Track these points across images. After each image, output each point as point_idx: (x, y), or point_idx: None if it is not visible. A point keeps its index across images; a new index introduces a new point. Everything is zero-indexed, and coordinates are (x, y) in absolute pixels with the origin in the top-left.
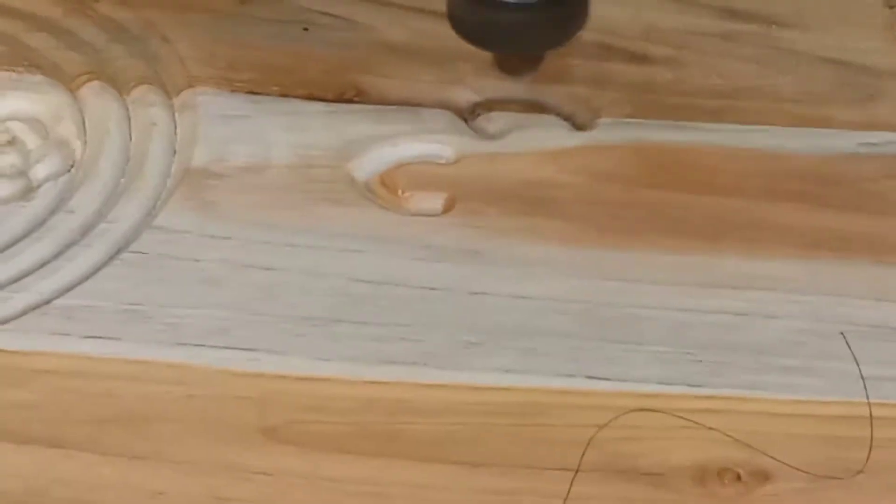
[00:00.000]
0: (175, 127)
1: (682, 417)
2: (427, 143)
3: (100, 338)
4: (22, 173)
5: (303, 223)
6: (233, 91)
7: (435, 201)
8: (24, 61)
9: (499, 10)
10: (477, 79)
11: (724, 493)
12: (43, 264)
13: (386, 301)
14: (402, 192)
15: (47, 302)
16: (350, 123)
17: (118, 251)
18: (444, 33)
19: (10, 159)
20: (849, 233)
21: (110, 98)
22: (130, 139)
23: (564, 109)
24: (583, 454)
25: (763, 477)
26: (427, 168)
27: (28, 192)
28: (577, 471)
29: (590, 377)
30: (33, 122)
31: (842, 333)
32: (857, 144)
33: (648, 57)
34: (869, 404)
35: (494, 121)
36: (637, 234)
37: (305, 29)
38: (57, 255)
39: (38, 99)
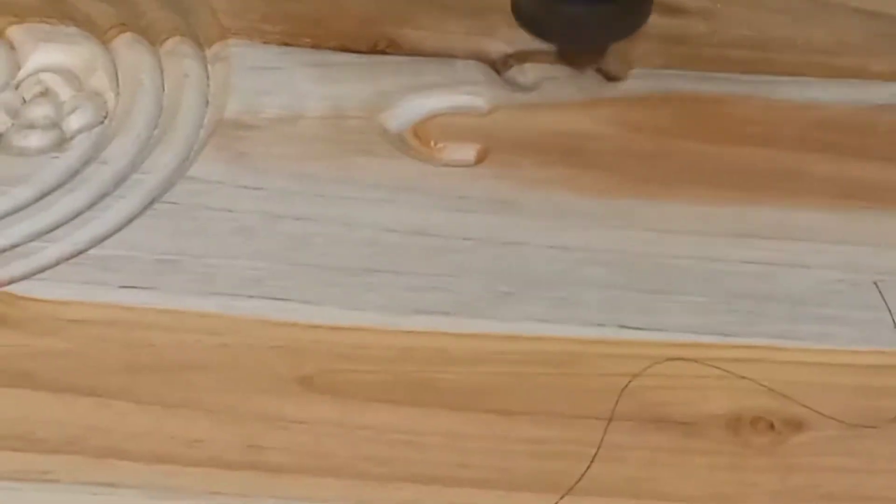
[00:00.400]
0: (207, 78)
1: (715, 367)
2: (460, 95)
3: (134, 287)
4: (55, 124)
5: (335, 174)
6: (265, 42)
7: (468, 152)
8: (57, 13)
9: (562, 3)
10: (510, 30)
11: (758, 442)
12: (77, 215)
13: (419, 251)
14: (435, 143)
15: (82, 252)
16: (382, 75)
17: (152, 201)
18: None
19: (43, 110)
20: (882, 182)
21: (143, 49)
22: (163, 90)
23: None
24: (616, 403)
25: (796, 426)
26: (460, 119)
27: (62, 143)
28: (610, 419)
29: (623, 326)
30: (66, 74)
31: (875, 283)
32: (891, 95)
33: (682, 8)
34: None
35: (527, 72)
36: (670, 184)
37: None
38: (91, 206)
39: (70, 50)
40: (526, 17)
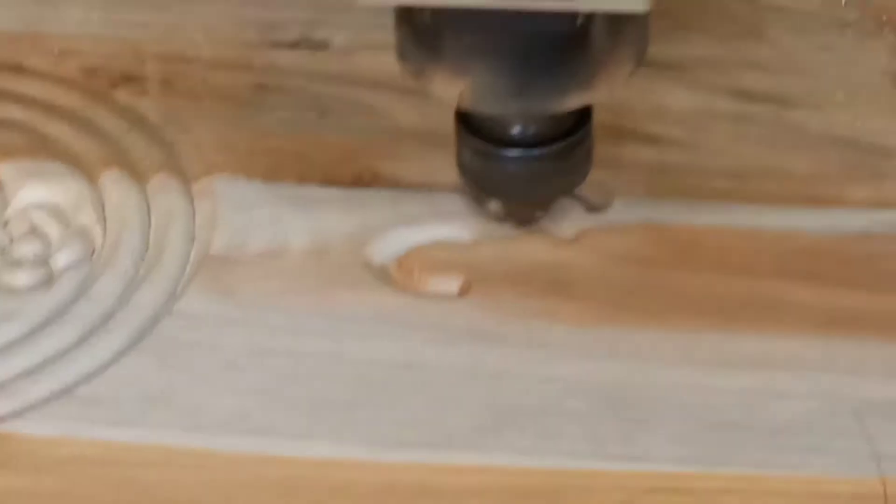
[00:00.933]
0: (193, 214)
1: (698, 497)
2: (442, 227)
3: (122, 424)
4: (43, 262)
5: (321, 307)
6: (250, 178)
7: (451, 284)
8: (44, 150)
9: (499, 161)
10: None
11: None
12: (65, 352)
13: (404, 384)
14: (419, 275)
15: (70, 389)
16: (366, 208)
17: (139, 338)
18: None
19: (31, 248)
20: (862, 311)
21: (130, 186)
22: (150, 226)
23: (579, 191)
24: None
25: None
26: (443, 251)
27: (49, 280)
28: None
29: (607, 458)
30: (54, 211)
31: (855, 412)
32: (870, 222)
33: (661, 138)
34: (883, 483)
35: None
36: (652, 314)
37: (321, 115)
38: (78, 343)
39: (58, 187)
40: (469, 174)
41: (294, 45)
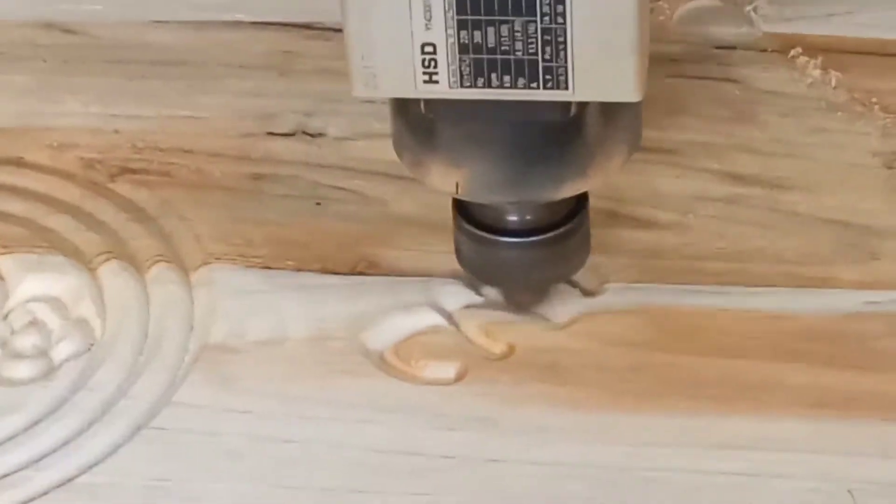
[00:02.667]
0: (192, 303)
1: None
2: (439, 314)
3: None
4: (43, 353)
5: (320, 395)
6: (248, 266)
7: (447, 370)
8: (44, 243)
9: (496, 248)
10: None
11: None
12: (66, 442)
13: (402, 470)
14: (416, 362)
15: (70, 480)
16: (363, 295)
17: (139, 427)
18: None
19: (31, 340)
20: (855, 391)
21: (129, 277)
22: (149, 317)
23: (573, 276)
24: None
25: None
26: (440, 337)
27: (50, 371)
28: None
29: None
30: (54, 303)
31: (850, 492)
32: (861, 303)
33: (655, 222)
34: None
35: None
36: (647, 397)
37: (318, 203)
38: (79, 433)
39: (58, 279)
40: (466, 262)
41: (290, 134)
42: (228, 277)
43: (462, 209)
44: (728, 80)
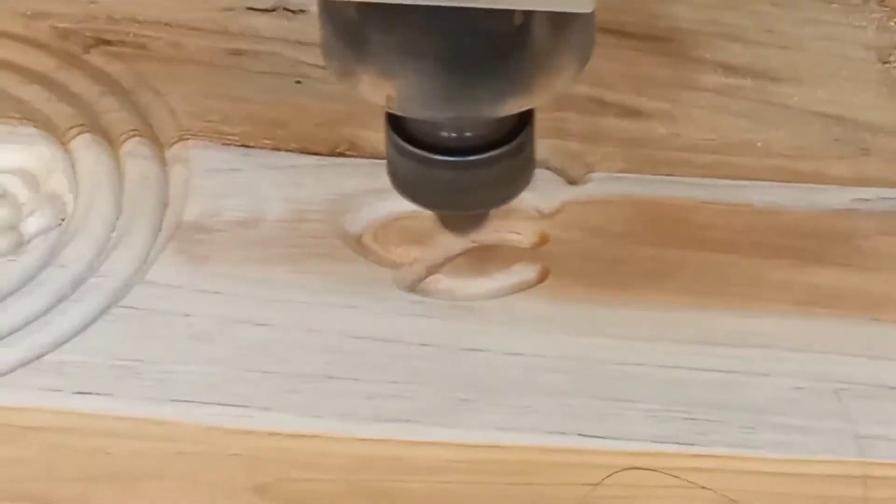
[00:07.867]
0: (166, 180)
1: (674, 476)
2: None
3: (90, 394)
4: (13, 227)
5: (295, 278)
6: (224, 144)
7: (429, 256)
8: (16, 114)
9: (429, 167)
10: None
11: None
12: (34, 319)
13: (378, 357)
14: (395, 247)
15: (38, 357)
16: (343, 177)
17: (109, 306)
18: None
19: (1, 213)
20: (843, 290)
21: (101, 151)
22: (122, 192)
23: (557, 163)
24: None
25: None
26: (420, 222)
27: (19, 246)
28: None
29: (582, 435)
30: (25, 175)
31: (836, 392)
32: (851, 200)
33: (642, 111)
34: (863, 464)
35: None
36: (630, 289)
37: (298, 82)
38: (48, 310)
39: (29, 152)
40: (399, 181)
41: (271, 10)
42: (204, 155)
43: (395, 123)
44: None
